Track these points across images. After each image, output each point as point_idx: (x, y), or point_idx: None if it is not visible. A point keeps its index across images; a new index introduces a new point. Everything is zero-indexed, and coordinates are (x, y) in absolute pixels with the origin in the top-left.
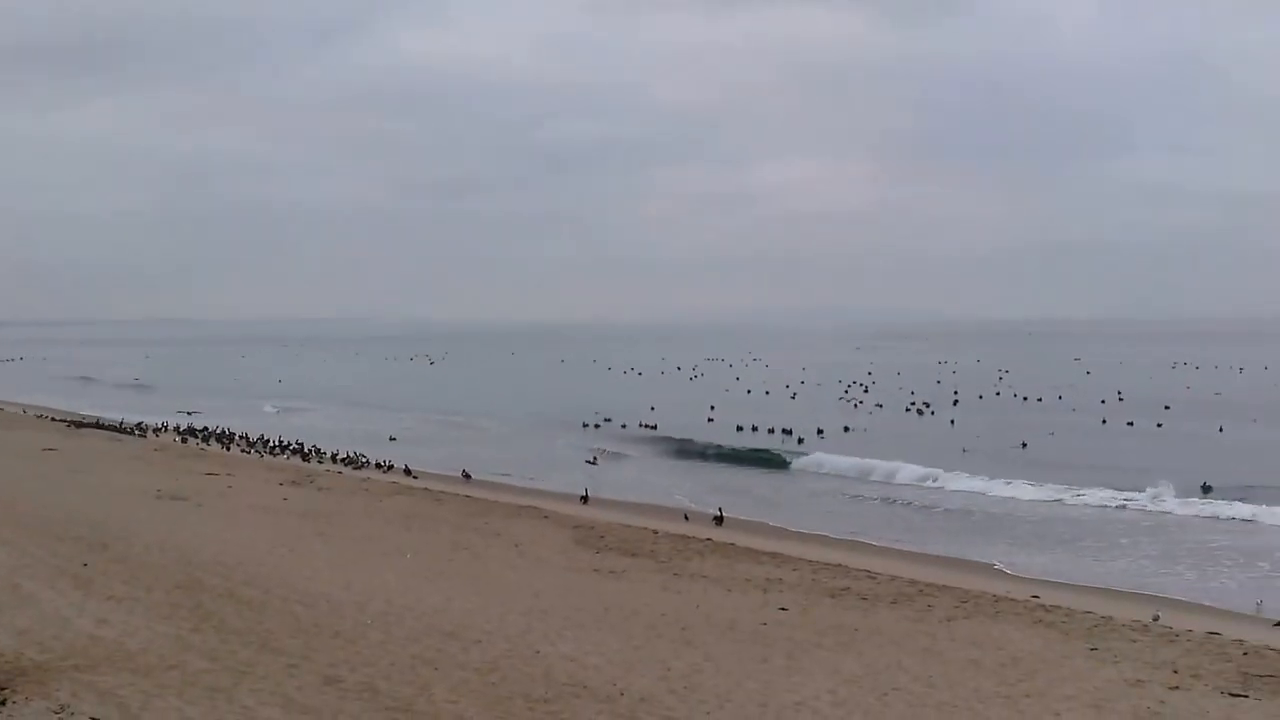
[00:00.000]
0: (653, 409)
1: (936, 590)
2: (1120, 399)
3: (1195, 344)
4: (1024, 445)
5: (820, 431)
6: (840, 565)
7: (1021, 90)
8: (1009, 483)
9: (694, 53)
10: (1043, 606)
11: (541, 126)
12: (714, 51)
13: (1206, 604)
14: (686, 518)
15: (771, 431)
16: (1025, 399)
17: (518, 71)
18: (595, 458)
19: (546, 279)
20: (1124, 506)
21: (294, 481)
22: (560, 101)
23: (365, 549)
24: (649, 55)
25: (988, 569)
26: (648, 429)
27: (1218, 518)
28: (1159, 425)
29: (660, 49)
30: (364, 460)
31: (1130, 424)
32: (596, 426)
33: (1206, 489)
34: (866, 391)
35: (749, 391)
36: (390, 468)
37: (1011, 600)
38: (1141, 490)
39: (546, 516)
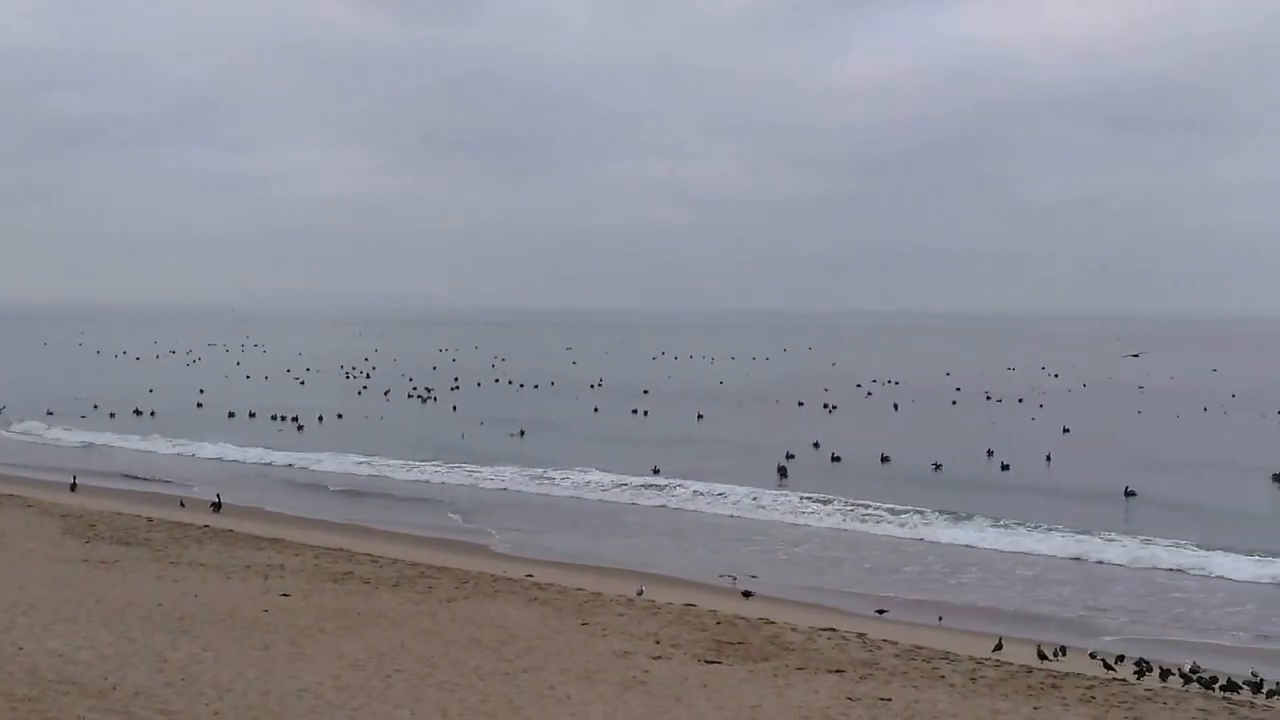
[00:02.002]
0: (151, 391)
1: (437, 572)
2: (600, 384)
3: (680, 335)
4: (522, 433)
5: (321, 418)
6: (343, 550)
7: (528, 86)
8: (497, 470)
9: (197, 27)
10: (537, 585)
11: (39, 94)
12: (217, 27)
13: (683, 578)
14: (183, 504)
15: (274, 419)
16: (521, 386)
17: (14, 37)
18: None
19: (17, 255)
20: (609, 487)
21: None
22: (57, 70)
23: None
24: (152, 28)
25: (485, 550)
26: (139, 415)
27: (692, 495)
28: (645, 413)
29: (162, 22)
30: None
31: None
32: (83, 417)
33: (656, 470)
34: (369, 378)
35: (248, 377)
36: None
37: (509, 580)
38: (628, 473)
39: (31, 505)
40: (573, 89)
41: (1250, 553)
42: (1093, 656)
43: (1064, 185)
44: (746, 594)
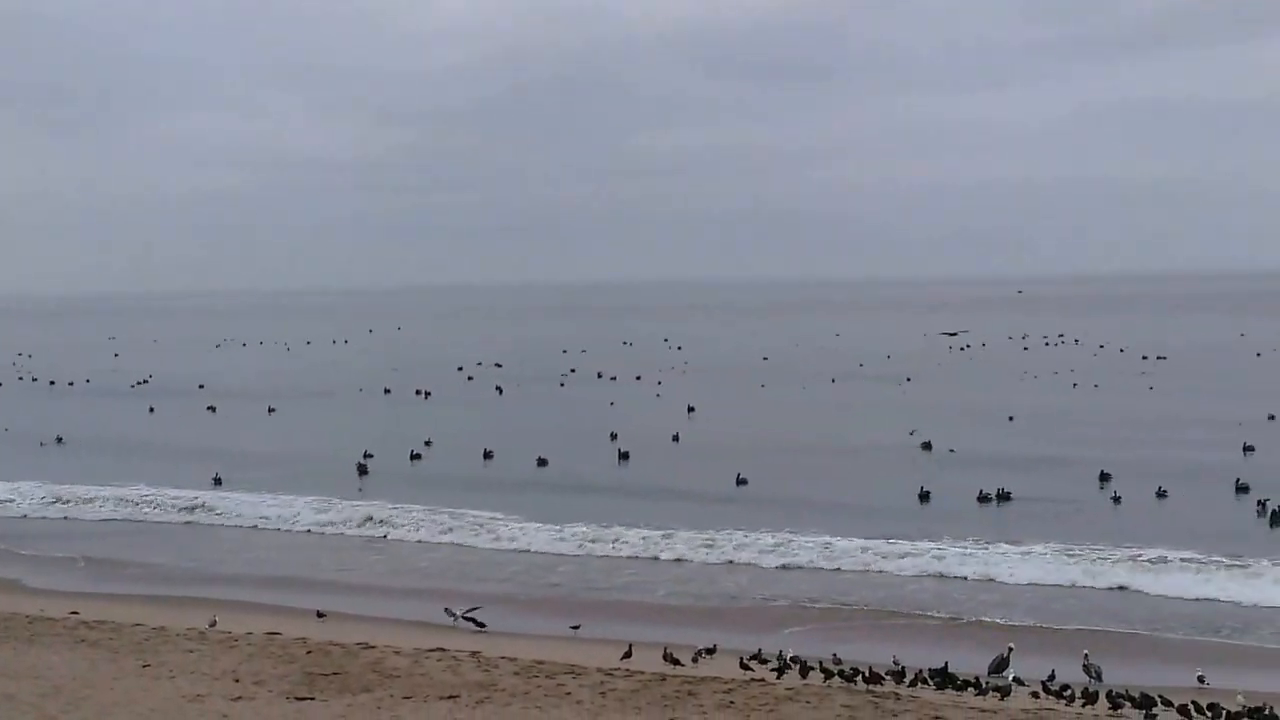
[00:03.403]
0: None
1: None
2: (148, 381)
3: (245, 320)
4: (59, 440)
5: None
6: None
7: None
8: (17, 488)
9: None
10: (85, 623)
11: None
12: None
13: (267, 602)
14: None
15: None
16: (52, 383)
17: None
18: None
19: None
20: (159, 503)
21: None
22: None
23: None
24: None
25: (16, 586)
26: None
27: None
28: (213, 409)
29: None
30: None
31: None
32: None
33: (218, 480)
34: None
35: None
36: None
37: (48, 620)
38: (186, 485)
39: None
40: (121, 31)
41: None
42: (743, 665)
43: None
44: (320, 614)
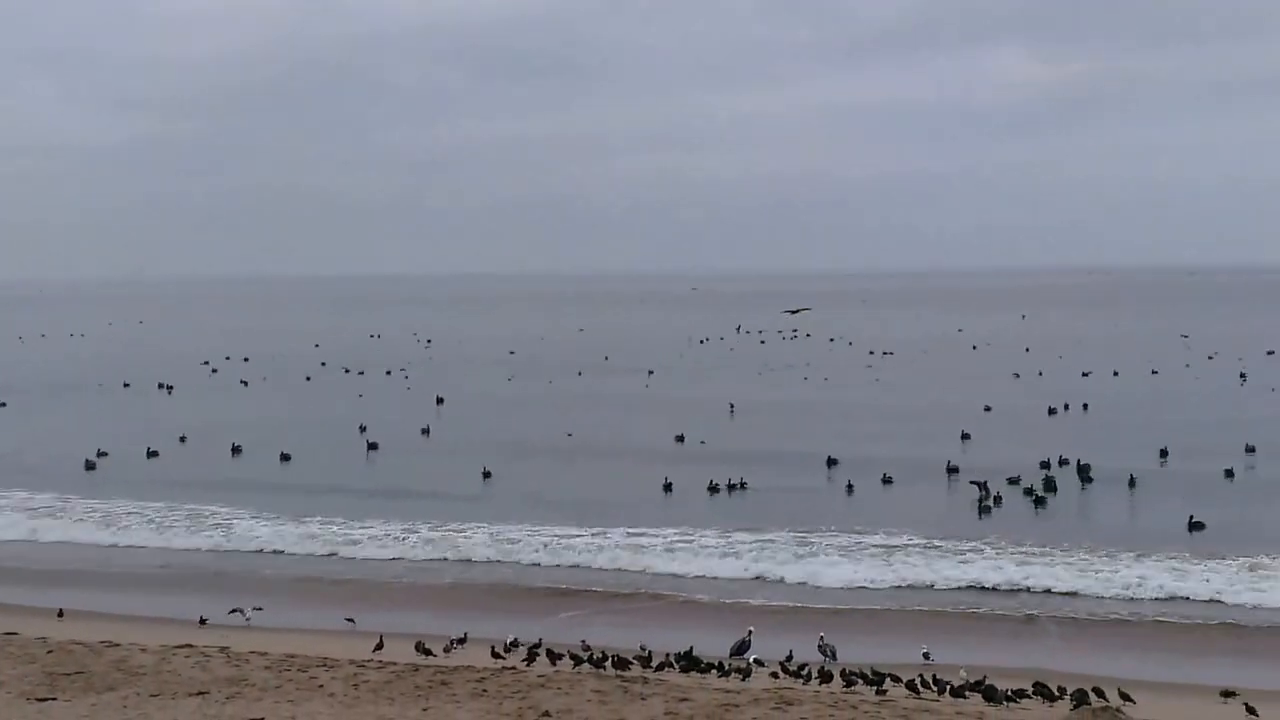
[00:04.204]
0: None
1: None
2: None
3: None
4: None
5: None
6: None
7: None
8: None
9: None
10: None
11: None
12: None
13: (2, 601)
14: None
15: None
16: None
17: None
18: None
19: None
20: None
21: None
22: None
23: None
24: None
25: None
26: None
27: None
28: None
29: None
30: None
31: None
32: None
33: None
34: None
35: None
36: None
37: None
38: None
39: None
40: None
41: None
42: (495, 654)
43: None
44: (60, 613)
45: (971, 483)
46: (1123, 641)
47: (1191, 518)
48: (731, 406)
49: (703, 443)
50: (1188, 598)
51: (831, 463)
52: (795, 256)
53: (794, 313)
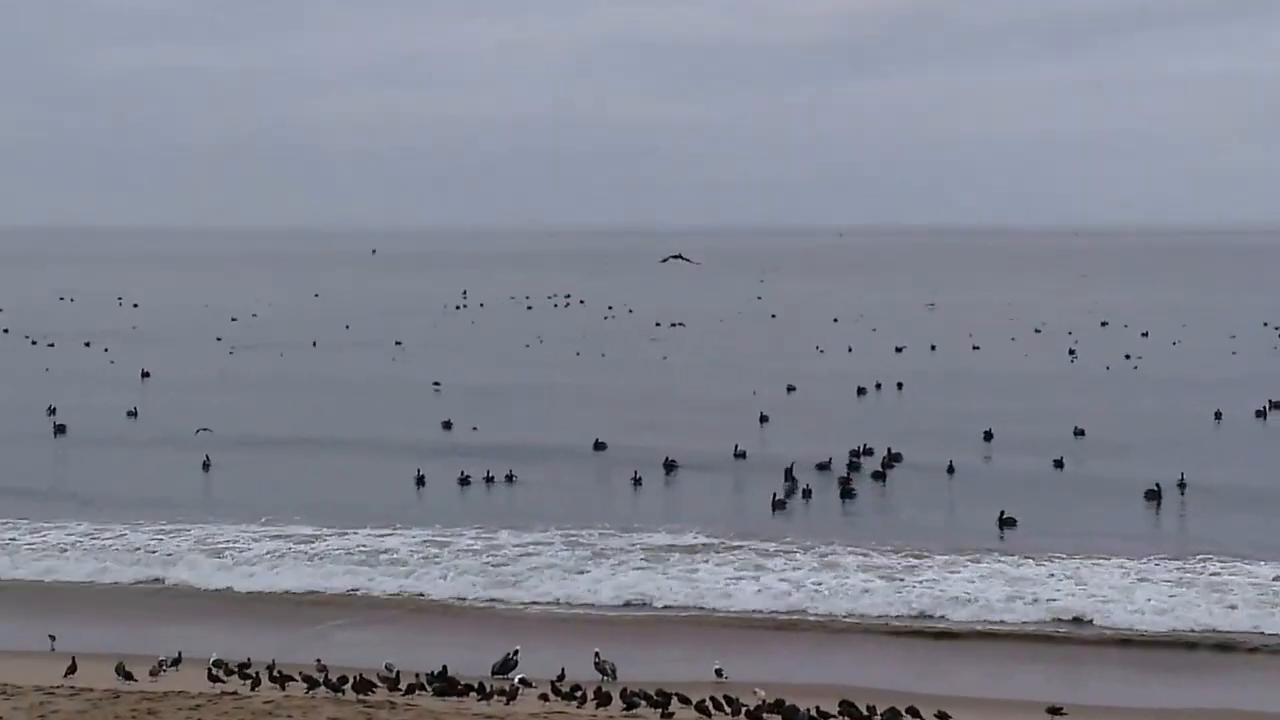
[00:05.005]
0: None
1: None
2: None
3: None
4: None
5: None
6: None
7: None
8: None
9: None
10: None
11: None
12: None
13: None
14: None
15: None
16: None
17: None
18: None
19: None
20: None
21: None
22: None
23: None
24: None
25: None
26: None
27: None
28: None
29: None
30: None
31: None
32: None
33: None
34: None
35: None
36: None
37: None
38: None
39: None
40: None
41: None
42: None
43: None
44: None
45: (788, 472)
46: (943, 654)
47: (1003, 513)
48: (498, 387)
49: (475, 429)
50: (1011, 601)
51: (599, 446)
52: (556, 210)
53: (675, 259)
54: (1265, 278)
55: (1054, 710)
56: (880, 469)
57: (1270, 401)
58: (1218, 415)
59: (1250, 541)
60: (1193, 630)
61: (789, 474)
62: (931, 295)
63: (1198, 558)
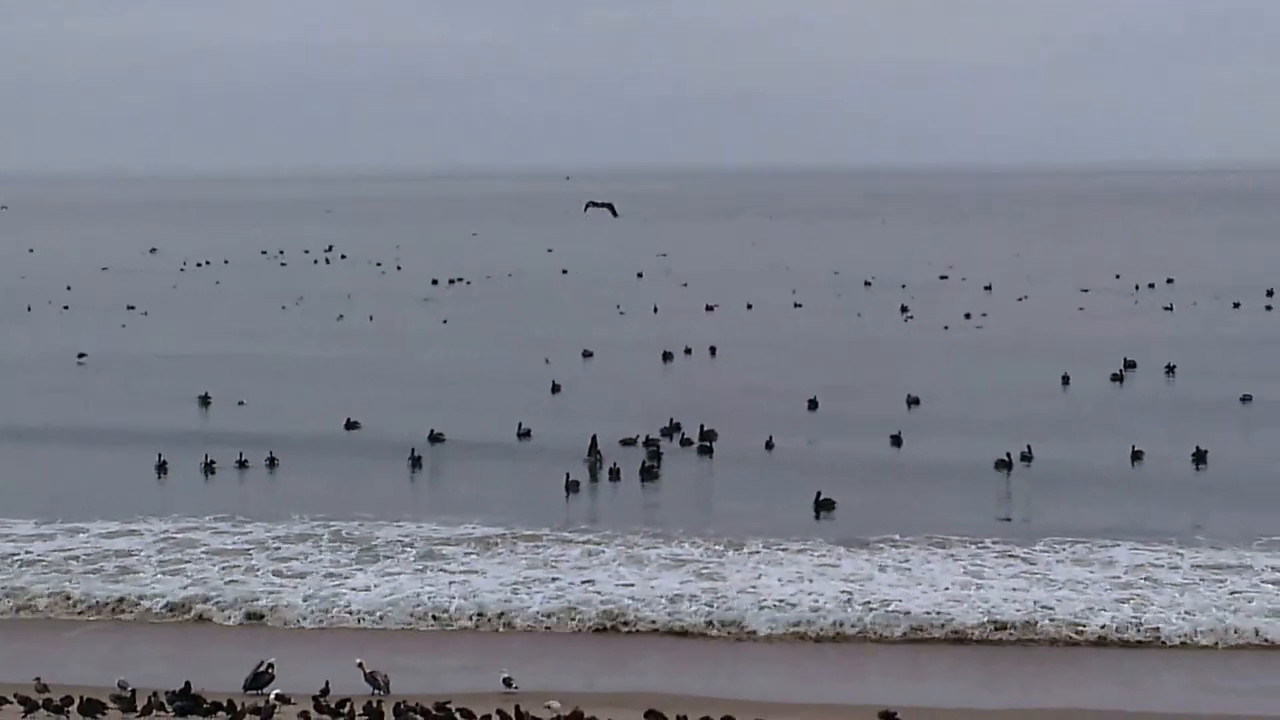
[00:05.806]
0: None
1: None
2: None
3: None
4: None
5: None
6: None
7: None
8: None
9: None
10: None
11: None
12: None
13: None
14: None
15: None
16: None
17: None
18: None
19: None
20: None
21: None
22: None
23: None
24: None
25: None
26: None
27: None
28: None
29: None
30: None
31: None
32: None
33: None
34: None
35: None
36: None
37: None
38: None
39: None
40: None
41: None
42: None
43: None
44: None
45: (591, 446)
46: (758, 656)
47: (819, 495)
48: (246, 358)
49: (241, 403)
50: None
51: (351, 426)
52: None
53: (599, 206)
54: (1124, 226)
55: (887, 715)
56: (688, 443)
57: (1126, 360)
58: (1065, 380)
59: (1105, 526)
60: (1032, 624)
61: (593, 448)
62: (747, 240)
63: (1040, 544)
